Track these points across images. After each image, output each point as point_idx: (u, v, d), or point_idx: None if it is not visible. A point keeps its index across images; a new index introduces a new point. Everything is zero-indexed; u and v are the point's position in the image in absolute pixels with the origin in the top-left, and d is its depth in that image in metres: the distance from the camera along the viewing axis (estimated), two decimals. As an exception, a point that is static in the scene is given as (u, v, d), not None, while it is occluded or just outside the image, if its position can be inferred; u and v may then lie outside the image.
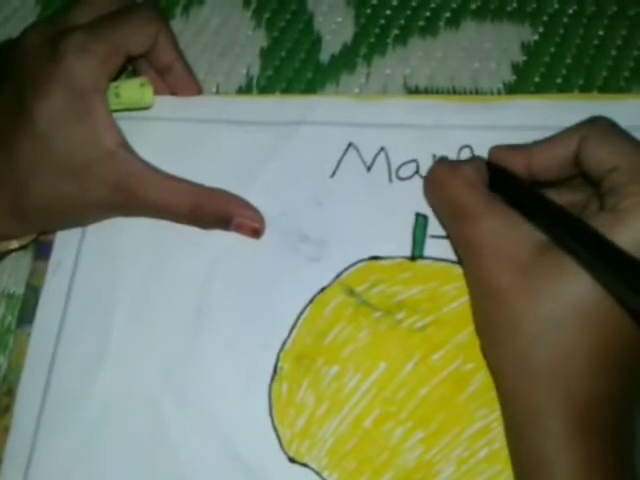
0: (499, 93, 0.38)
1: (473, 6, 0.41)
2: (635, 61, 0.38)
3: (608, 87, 0.38)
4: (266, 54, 0.41)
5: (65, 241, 0.36)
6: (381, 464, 0.31)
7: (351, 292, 0.34)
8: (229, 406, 0.33)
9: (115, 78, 0.35)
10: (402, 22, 0.41)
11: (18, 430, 0.33)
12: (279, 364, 0.33)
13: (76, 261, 0.36)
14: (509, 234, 0.29)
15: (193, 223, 0.35)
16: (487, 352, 0.31)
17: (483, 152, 0.33)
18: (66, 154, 0.33)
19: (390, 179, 0.36)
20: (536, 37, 0.39)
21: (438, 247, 0.34)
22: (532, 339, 0.27)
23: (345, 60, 0.40)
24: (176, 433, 0.33)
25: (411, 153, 0.36)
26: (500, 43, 0.39)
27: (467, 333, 0.32)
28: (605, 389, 0.27)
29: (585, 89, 0.38)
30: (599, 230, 0.26)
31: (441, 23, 0.40)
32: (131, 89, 0.36)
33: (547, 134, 0.31)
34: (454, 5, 0.41)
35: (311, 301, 0.34)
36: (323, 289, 0.34)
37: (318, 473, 0.31)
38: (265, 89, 0.40)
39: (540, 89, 0.38)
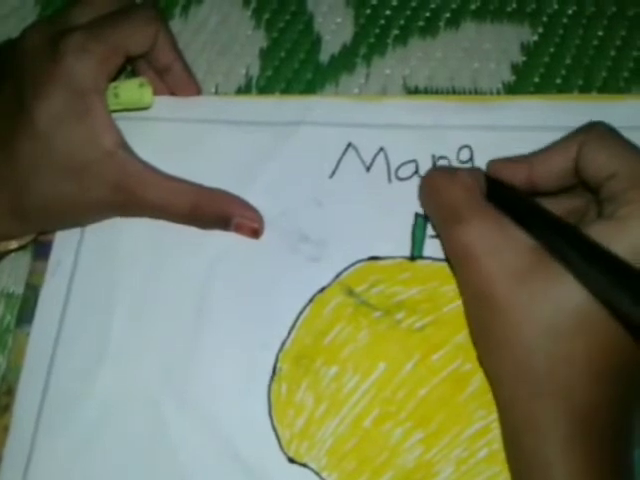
0: (499, 93, 0.38)
1: (473, 7, 0.41)
2: (634, 62, 0.38)
3: (607, 87, 0.38)
4: (265, 54, 0.41)
5: (64, 241, 0.36)
6: (380, 464, 0.31)
7: (350, 292, 0.34)
8: (229, 406, 0.33)
9: (114, 78, 0.35)
10: (402, 22, 0.41)
11: (17, 430, 0.33)
12: (278, 364, 0.33)
13: (75, 261, 0.36)
14: (503, 240, 0.28)
15: (192, 223, 0.35)
16: (484, 359, 0.31)
17: (483, 152, 0.33)
18: (65, 154, 0.33)
19: (389, 179, 0.36)
20: (536, 38, 0.39)
21: (437, 247, 0.34)
22: (531, 348, 0.27)
23: (345, 60, 0.40)
24: (176, 433, 0.33)
25: (410, 153, 0.36)
26: (500, 43, 0.39)
27: (466, 333, 0.32)
28: (604, 394, 0.27)
29: (584, 89, 0.38)
30: (597, 239, 0.26)
31: (441, 23, 0.40)
32: (130, 89, 0.36)
33: (546, 134, 0.31)
34: (454, 5, 0.41)
35: (310, 301, 0.34)
36: (323, 289, 0.34)
37: (317, 473, 0.31)
38: (264, 89, 0.40)
39: (539, 89, 0.38)
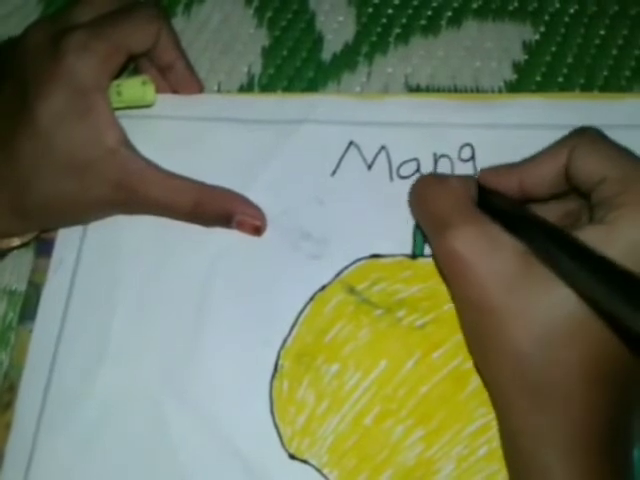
0: (500, 92, 0.38)
1: (475, 5, 0.41)
2: (636, 60, 0.38)
3: (609, 86, 0.38)
4: (268, 53, 0.41)
5: (67, 239, 0.37)
6: (381, 461, 0.31)
7: (352, 290, 0.34)
8: (230, 404, 0.33)
9: (117, 76, 0.35)
10: (404, 21, 0.41)
11: (20, 427, 0.33)
12: (280, 362, 0.33)
13: (78, 259, 0.36)
14: (493, 246, 0.28)
15: (194, 221, 0.35)
16: (480, 366, 0.30)
17: (484, 150, 0.33)
18: (68, 152, 0.33)
19: (391, 177, 0.36)
20: (537, 36, 0.39)
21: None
22: (528, 357, 0.27)
23: (346, 59, 0.40)
24: (177, 431, 0.33)
25: (412, 152, 0.36)
26: (501, 42, 0.39)
27: (467, 331, 0.32)
28: (602, 399, 0.27)
29: (586, 88, 0.38)
30: (589, 244, 0.25)
31: (443, 22, 0.40)
32: (133, 87, 0.36)
33: (548, 132, 0.30)
34: (456, 4, 0.41)
35: (312, 299, 0.34)
36: (324, 287, 0.34)
37: (318, 470, 0.32)
38: (267, 88, 0.40)
39: (541, 88, 0.38)
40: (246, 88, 0.40)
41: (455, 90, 0.38)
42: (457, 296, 0.30)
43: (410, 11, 0.41)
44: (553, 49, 0.39)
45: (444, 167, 0.35)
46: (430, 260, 0.34)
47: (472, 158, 0.35)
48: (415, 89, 0.39)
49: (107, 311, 0.35)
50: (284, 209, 0.36)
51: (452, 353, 0.32)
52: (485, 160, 0.33)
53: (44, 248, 0.37)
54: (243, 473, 0.32)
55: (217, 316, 0.34)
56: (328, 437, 0.32)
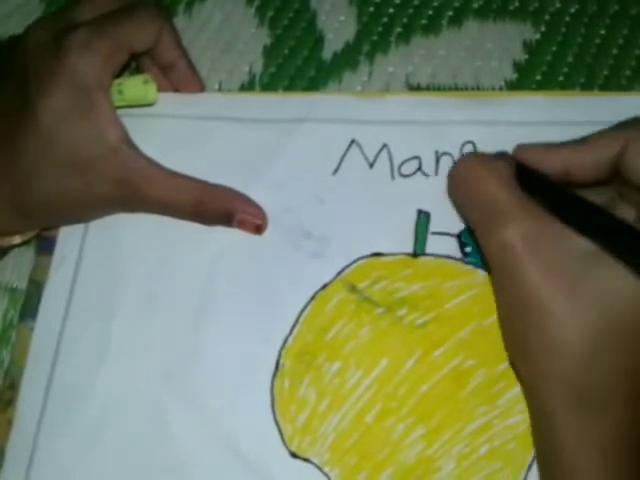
0: (501, 91, 0.38)
1: (475, 5, 0.41)
2: (636, 60, 0.38)
3: (609, 86, 0.38)
4: (269, 52, 0.41)
5: (68, 237, 0.37)
6: (382, 460, 0.31)
7: (353, 289, 0.34)
8: (231, 402, 0.33)
9: (118, 75, 0.35)
10: (405, 20, 0.41)
11: (21, 424, 0.33)
12: (281, 360, 0.33)
13: (79, 257, 0.36)
14: (550, 240, 0.26)
15: (196, 219, 0.35)
16: (521, 368, 0.29)
17: (486, 148, 0.33)
18: (69, 150, 0.33)
19: (392, 176, 0.36)
20: (538, 36, 0.39)
21: (440, 244, 0.34)
22: (583, 362, 0.26)
23: (348, 58, 0.40)
24: (178, 429, 0.33)
25: (413, 150, 0.36)
26: (502, 42, 0.39)
27: (468, 330, 0.32)
28: None
29: (586, 88, 0.38)
30: None
31: (444, 22, 0.40)
32: (134, 86, 0.36)
33: (549, 129, 0.31)
34: (457, 4, 0.41)
35: (313, 298, 0.34)
36: (325, 286, 0.34)
37: (319, 468, 0.32)
38: (268, 87, 0.40)
39: (542, 87, 0.38)
40: (247, 87, 0.40)
41: (456, 89, 0.38)
42: (503, 291, 0.29)
43: (411, 11, 0.41)
44: (554, 49, 0.39)
45: (446, 165, 0.35)
46: (431, 259, 0.34)
47: (473, 156, 0.35)
48: (416, 88, 0.39)
49: (108, 309, 0.35)
50: (285, 208, 0.36)
51: (453, 352, 0.32)
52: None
53: (45, 246, 0.37)
54: (244, 472, 0.32)
55: (218, 314, 0.34)
56: (329, 435, 0.32)
